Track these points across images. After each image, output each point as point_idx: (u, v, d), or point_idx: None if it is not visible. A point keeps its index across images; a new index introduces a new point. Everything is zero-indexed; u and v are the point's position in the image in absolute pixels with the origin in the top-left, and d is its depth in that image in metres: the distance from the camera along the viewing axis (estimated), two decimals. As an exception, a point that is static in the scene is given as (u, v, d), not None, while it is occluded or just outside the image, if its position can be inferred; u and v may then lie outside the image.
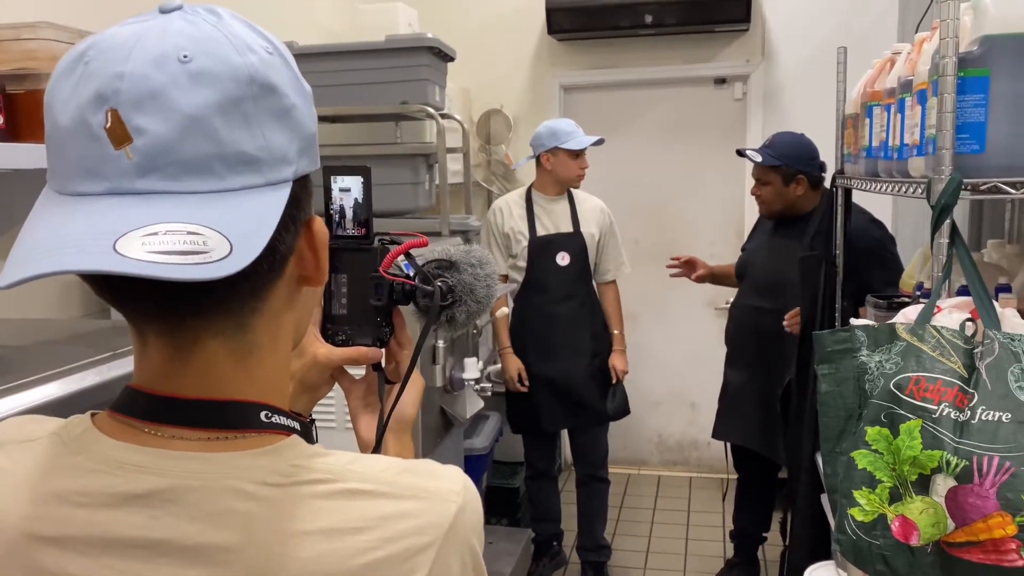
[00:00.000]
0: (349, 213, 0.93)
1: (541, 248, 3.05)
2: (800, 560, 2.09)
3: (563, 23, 3.89)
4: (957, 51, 1.23)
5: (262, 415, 0.64)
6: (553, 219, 3.09)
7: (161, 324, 0.61)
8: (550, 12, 3.85)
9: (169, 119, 0.55)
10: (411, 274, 0.94)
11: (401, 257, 0.93)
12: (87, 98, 0.56)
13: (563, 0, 3.82)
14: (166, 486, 0.59)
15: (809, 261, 2.31)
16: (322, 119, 2.98)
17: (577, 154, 3.00)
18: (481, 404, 2.55)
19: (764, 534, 3.16)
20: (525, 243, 3.05)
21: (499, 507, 3.51)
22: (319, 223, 0.67)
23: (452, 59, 2.96)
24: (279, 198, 0.59)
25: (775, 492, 3.10)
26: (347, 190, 0.93)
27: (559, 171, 3.02)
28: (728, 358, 3.00)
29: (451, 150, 3.08)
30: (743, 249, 3.10)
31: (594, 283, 3.16)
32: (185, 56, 0.56)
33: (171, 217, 0.54)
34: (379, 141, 3.15)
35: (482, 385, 2.57)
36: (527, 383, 3.05)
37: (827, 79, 2.32)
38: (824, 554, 1.96)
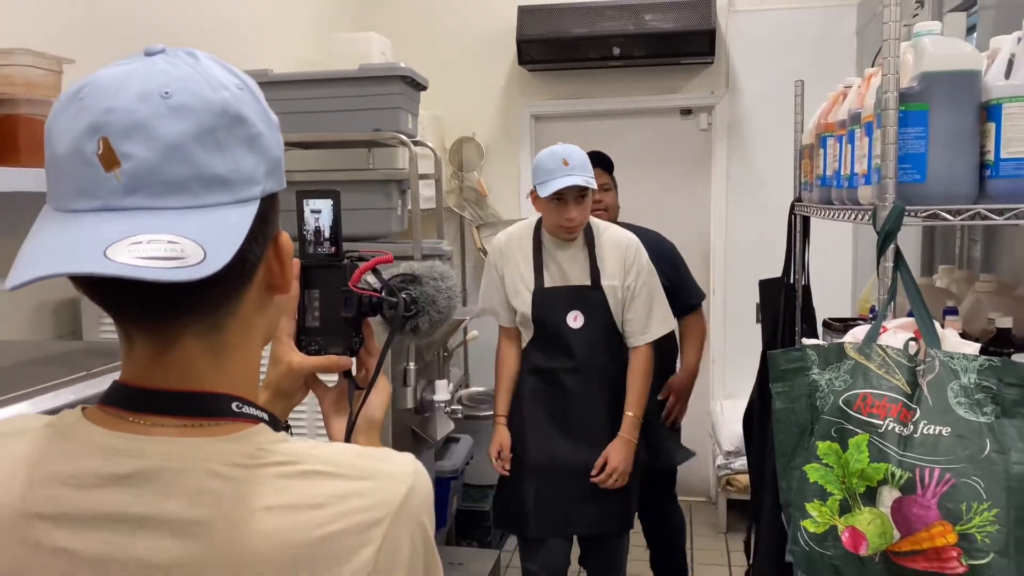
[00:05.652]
0: (320, 233, 1.00)
1: (545, 304, 2.42)
2: (764, 578, 2.13)
3: (533, 54, 3.98)
4: (898, 87, 1.31)
5: (233, 405, 0.71)
6: (564, 266, 2.43)
7: (146, 325, 0.69)
8: (521, 43, 3.94)
9: (152, 146, 0.63)
10: (378, 287, 1.01)
11: (369, 272, 1.02)
12: (82, 129, 0.64)
13: (533, 32, 3.92)
14: (147, 468, 0.67)
15: (769, 284, 2.38)
16: (297, 145, 3.06)
17: (559, 198, 2.33)
18: (451, 426, 2.58)
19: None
20: (528, 296, 2.43)
21: (469, 530, 3.53)
22: (285, 237, 0.75)
23: (424, 88, 3.02)
24: (248, 213, 0.67)
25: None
26: (318, 212, 1.01)
27: (543, 216, 2.44)
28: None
29: (423, 176, 3.13)
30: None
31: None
32: (166, 92, 0.64)
33: (154, 229, 0.62)
34: (353, 167, 3.20)
35: (452, 407, 2.61)
36: (508, 466, 2.49)
37: (789, 110, 2.41)
38: (787, 572, 2.01)
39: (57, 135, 0.65)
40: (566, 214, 2.34)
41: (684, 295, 2.84)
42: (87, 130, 0.64)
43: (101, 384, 1.38)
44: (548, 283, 2.43)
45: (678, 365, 2.99)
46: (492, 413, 3.39)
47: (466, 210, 4.23)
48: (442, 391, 2.43)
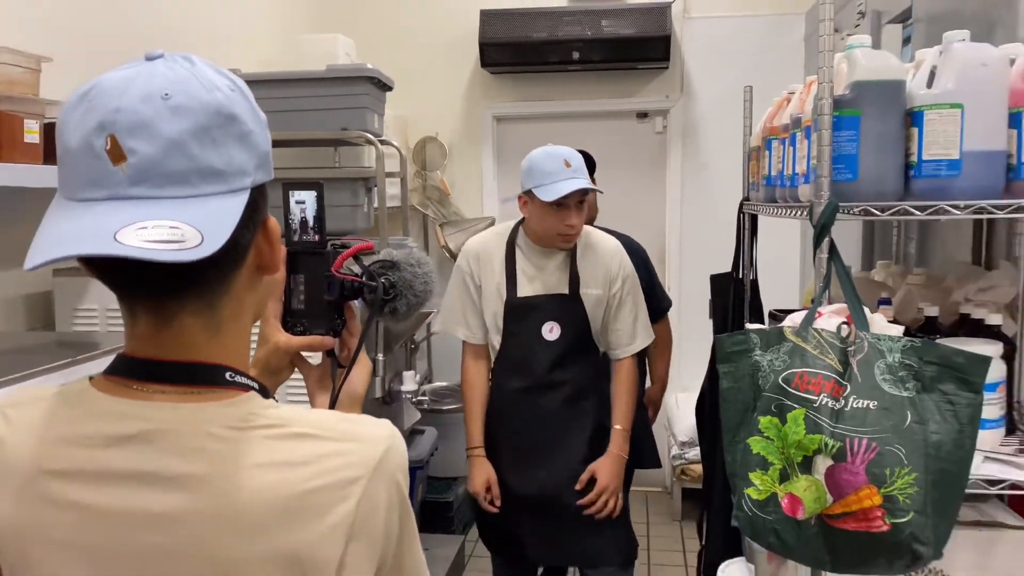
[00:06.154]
0: (306, 222, 1.08)
1: (519, 314, 2.27)
2: (715, 557, 2.26)
3: (496, 57, 4.09)
4: (832, 94, 1.44)
5: (227, 375, 0.78)
6: (543, 274, 2.28)
7: (148, 302, 0.76)
8: (483, 47, 4.05)
9: (155, 143, 0.70)
10: (359, 273, 1.10)
11: (350, 259, 1.10)
12: (91, 127, 0.70)
13: (495, 36, 4.02)
14: (151, 429, 0.74)
15: (719, 279, 2.52)
16: (264, 143, 3.13)
17: (560, 203, 2.17)
18: (418, 416, 2.68)
19: None
20: (501, 306, 2.28)
21: (433, 520, 3.61)
22: (273, 222, 0.81)
23: (390, 88, 3.11)
24: (240, 201, 0.74)
25: None
26: (302, 203, 1.08)
27: (532, 223, 2.26)
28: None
29: (389, 175, 3.21)
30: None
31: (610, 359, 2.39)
32: (166, 95, 0.71)
33: (157, 216, 0.68)
34: (319, 165, 3.27)
35: (419, 398, 2.70)
36: (498, 502, 2.29)
37: (739, 114, 2.55)
38: (737, 551, 2.14)
39: (69, 131, 0.72)
40: (566, 220, 2.18)
41: (655, 300, 2.78)
42: (96, 128, 0.70)
43: (85, 370, 1.45)
44: (523, 292, 2.26)
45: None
46: (456, 407, 3.49)
47: (429, 208, 4.31)
48: (409, 381, 2.52)
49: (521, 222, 2.33)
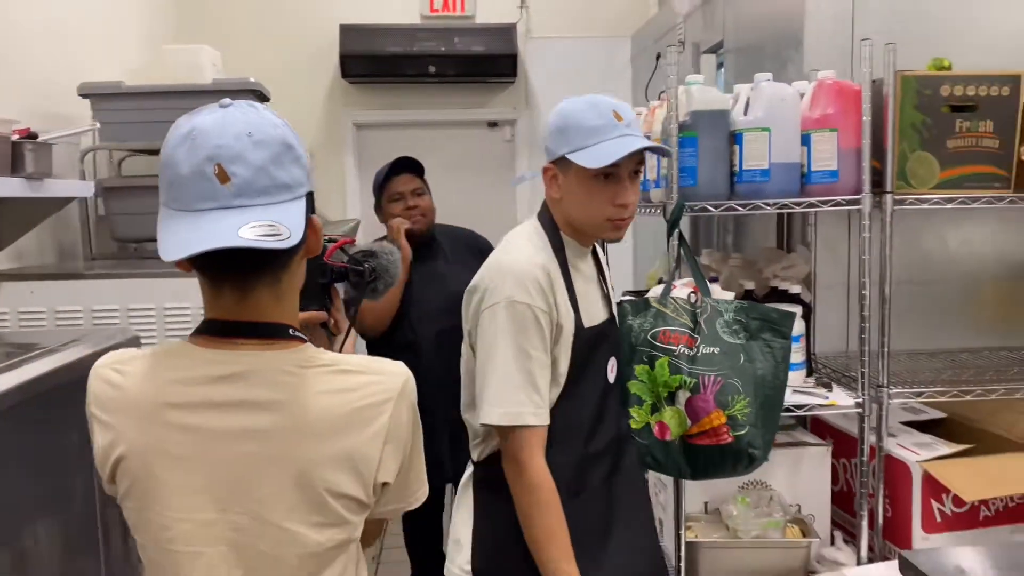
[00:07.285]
0: None
1: (591, 351, 1.62)
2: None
3: (355, 69, 4.36)
4: (678, 120, 1.90)
5: (289, 331, 1.05)
6: (590, 293, 1.66)
7: (234, 280, 1.01)
8: (343, 58, 4.31)
9: (248, 168, 0.96)
10: (345, 260, 1.40)
11: (338, 250, 1.40)
12: (201, 158, 0.95)
13: (355, 49, 4.30)
14: (240, 370, 1.00)
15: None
16: (150, 152, 3.23)
17: (608, 173, 1.54)
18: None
19: None
20: (570, 339, 1.56)
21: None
22: (316, 218, 1.08)
23: (268, 99, 3.32)
24: (302, 205, 1.00)
25: None
26: None
27: (570, 207, 1.61)
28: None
29: (269, 181, 3.41)
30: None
31: None
32: (250, 133, 0.97)
33: (258, 218, 0.94)
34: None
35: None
36: None
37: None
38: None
39: (179, 162, 0.95)
40: (619, 197, 1.55)
41: None
42: (206, 159, 0.94)
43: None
44: (588, 321, 1.60)
45: None
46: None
47: (294, 212, 4.50)
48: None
49: (545, 217, 1.67)
